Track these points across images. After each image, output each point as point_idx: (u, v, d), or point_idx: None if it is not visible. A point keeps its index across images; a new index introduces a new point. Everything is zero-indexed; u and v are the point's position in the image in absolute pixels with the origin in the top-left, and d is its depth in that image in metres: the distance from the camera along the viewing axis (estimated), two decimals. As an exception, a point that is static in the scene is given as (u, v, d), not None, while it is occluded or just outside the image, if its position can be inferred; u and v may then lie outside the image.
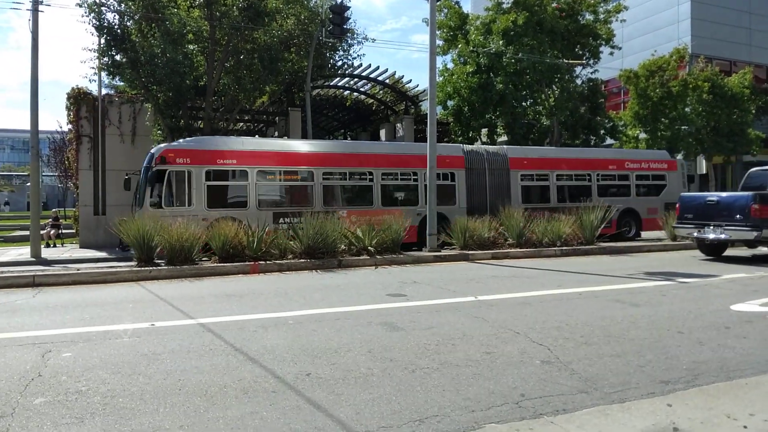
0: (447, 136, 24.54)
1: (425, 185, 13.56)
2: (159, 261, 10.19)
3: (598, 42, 22.41)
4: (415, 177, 15.03)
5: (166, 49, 17.23)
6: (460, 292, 7.66)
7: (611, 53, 22.77)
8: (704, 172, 25.03)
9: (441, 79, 21.87)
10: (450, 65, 23.34)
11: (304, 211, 12.13)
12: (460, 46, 22.51)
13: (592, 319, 5.87)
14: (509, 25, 20.27)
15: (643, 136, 24.50)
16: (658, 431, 3.06)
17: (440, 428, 3.15)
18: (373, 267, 10.78)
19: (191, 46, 19.06)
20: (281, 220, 13.17)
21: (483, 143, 23.02)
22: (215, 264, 10.15)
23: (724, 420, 3.19)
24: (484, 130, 22.76)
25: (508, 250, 12.59)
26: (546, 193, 16.76)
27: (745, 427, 3.09)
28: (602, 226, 13.88)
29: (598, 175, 17.23)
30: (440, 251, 12.29)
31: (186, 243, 10.03)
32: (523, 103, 22.40)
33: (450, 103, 22.60)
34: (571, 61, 21.53)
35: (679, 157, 20.16)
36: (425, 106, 25.58)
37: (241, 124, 28.74)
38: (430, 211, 12.54)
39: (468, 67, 22.07)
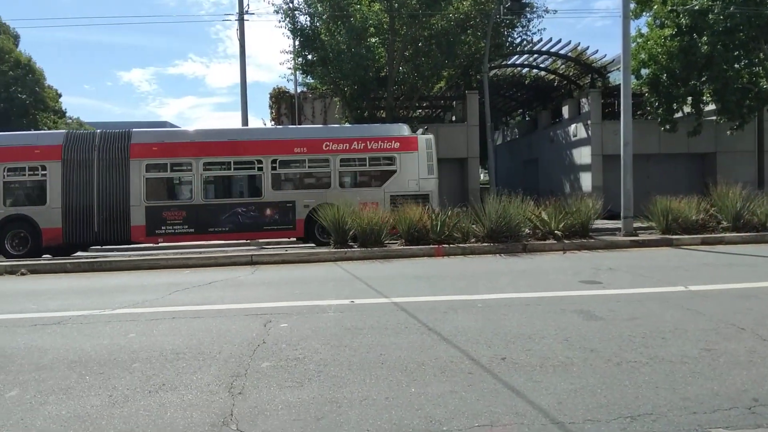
0: (641, 109, 22.25)
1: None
2: (352, 243, 10.97)
3: (839, -17, 18.18)
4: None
5: (350, 45, 18.35)
6: (666, 281, 6.92)
7: None
8: None
9: (634, 45, 19.74)
10: (644, 30, 20.96)
11: None
12: (655, 7, 20.06)
13: None
14: (718, -24, 17.54)
15: None
16: None
17: (656, 428, 2.88)
18: (561, 252, 10.28)
19: (373, 39, 20.05)
20: None
21: (687, 114, 20.40)
22: (402, 246, 10.60)
23: None
24: (689, 99, 20.06)
25: (722, 235, 11.03)
26: (188, 188, 13.39)
27: None
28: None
29: (274, 161, 13.40)
30: (638, 236, 11.24)
31: (375, 227, 10.64)
32: (736, 65, 19.20)
33: (644, 71, 20.33)
34: (801, 10, 17.85)
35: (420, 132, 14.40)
36: (614, 78, 23.59)
37: (420, 111, 29.45)
38: (625, 192, 11.56)
39: (666, 30, 19.58)
